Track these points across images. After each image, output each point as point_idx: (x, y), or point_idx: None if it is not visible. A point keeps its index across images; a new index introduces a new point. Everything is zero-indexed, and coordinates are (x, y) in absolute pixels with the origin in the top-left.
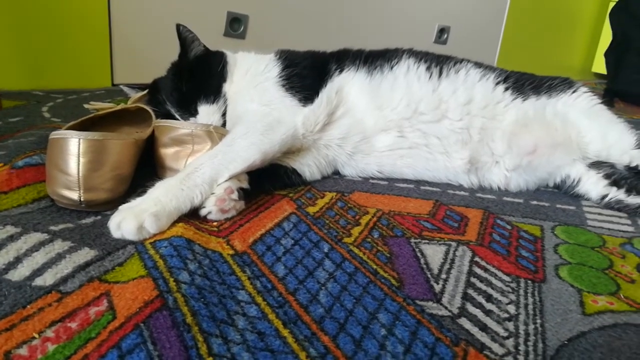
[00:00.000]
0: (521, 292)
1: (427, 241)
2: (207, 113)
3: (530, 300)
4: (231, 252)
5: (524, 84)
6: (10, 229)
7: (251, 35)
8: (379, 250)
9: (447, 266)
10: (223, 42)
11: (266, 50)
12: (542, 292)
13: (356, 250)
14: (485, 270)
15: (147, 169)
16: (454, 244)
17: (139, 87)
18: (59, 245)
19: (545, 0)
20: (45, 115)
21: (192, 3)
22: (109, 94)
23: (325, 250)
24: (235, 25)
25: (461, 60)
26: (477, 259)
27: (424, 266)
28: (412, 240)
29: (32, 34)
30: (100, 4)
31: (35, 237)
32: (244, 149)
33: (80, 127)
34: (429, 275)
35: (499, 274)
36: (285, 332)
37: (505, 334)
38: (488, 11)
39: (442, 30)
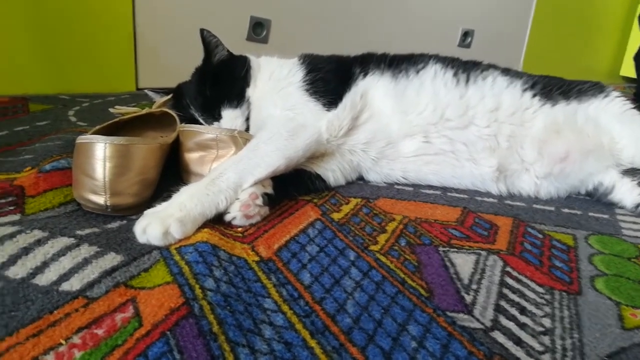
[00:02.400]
0: (556, 304)
1: (456, 250)
2: (230, 117)
3: (566, 313)
4: (256, 258)
5: (552, 89)
6: (38, 233)
7: (274, 39)
8: (407, 258)
9: (477, 276)
10: (246, 47)
11: (289, 54)
12: (578, 305)
13: (383, 259)
14: (518, 280)
15: (171, 173)
16: (484, 253)
17: (164, 91)
18: (86, 250)
19: (572, 2)
20: (72, 119)
21: (216, 8)
22: (134, 98)
23: (352, 258)
24: (258, 29)
25: (488, 67)
26: (508, 269)
27: (454, 276)
28: (441, 248)
29: (58, 38)
30: (125, 9)
31: (62, 241)
32: (268, 154)
33: (105, 131)
34: (459, 286)
35: (532, 285)
36: (312, 343)
37: (541, 349)
38: (513, 14)
39: (466, 34)
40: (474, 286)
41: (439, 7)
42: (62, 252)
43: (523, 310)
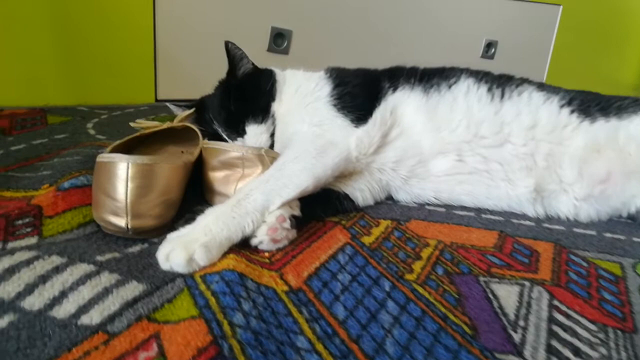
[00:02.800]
0: (611, 344)
1: (497, 280)
2: (255, 133)
3: (624, 355)
4: (285, 288)
5: (590, 105)
6: (56, 259)
7: (295, 50)
8: (446, 289)
9: (523, 311)
10: (266, 58)
11: (310, 66)
12: (635, 345)
13: (420, 290)
14: (567, 316)
15: (193, 191)
16: (527, 283)
17: (185, 104)
18: (106, 279)
19: (598, 13)
20: (90, 132)
21: (237, 18)
22: (153, 110)
23: (387, 288)
24: (279, 40)
25: (522, 82)
26: (556, 302)
27: (498, 310)
28: (481, 278)
29: (77, 49)
30: (145, 19)
31: (82, 268)
32: (296, 174)
33: (125, 146)
34: (506, 322)
35: (583, 321)
36: None
37: None
38: (537, 24)
39: (490, 45)
40: (522, 323)
41: (462, 17)
42: (81, 281)
43: (577, 352)
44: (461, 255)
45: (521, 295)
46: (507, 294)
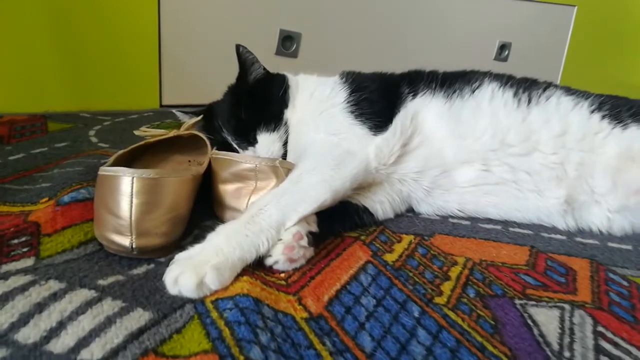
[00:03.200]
0: None
1: (534, 303)
2: (267, 142)
3: None
4: (305, 314)
5: (621, 110)
6: (54, 285)
7: (304, 54)
8: (480, 315)
9: (567, 339)
10: (275, 62)
11: (320, 70)
12: None
13: (452, 315)
14: (615, 345)
15: (201, 202)
16: (567, 306)
17: (192, 111)
18: (109, 306)
19: (614, 13)
20: (93, 140)
21: (243, 20)
22: (158, 116)
23: (416, 314)
24: (288, 43)
25: (549, 85)
26: (600, 328)
27: (540, 339)
28: (517, 300)
29: (79, 52)
30: (150, 21)
31: (82, 294)
32: (313, 187)
33: (129, 155)
34: (549, 353)
35: (634, 350)
36: None
37: None
38: (552, 26)
39: (503, 47)
40: (567, 353)
41: (475, 19)
42: (81, 309)
43: None
44: (493, 274)
45: (562, 320)
46: (547, 320)
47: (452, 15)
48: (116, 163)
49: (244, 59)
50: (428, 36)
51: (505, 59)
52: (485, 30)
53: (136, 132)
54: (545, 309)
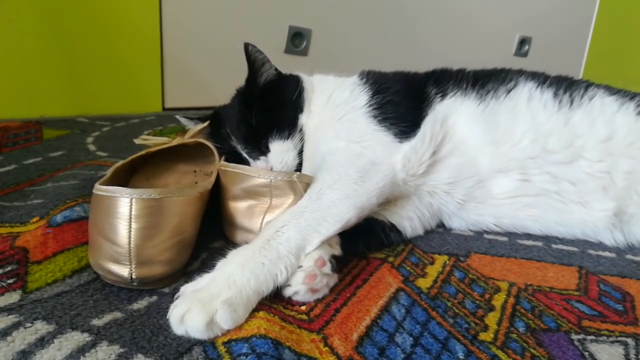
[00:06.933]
0: None
1: (593, 337)
2: (280, 151)
3: None
4: (332, 358)
5: None
6: (41, 327)
7: (314, 51)
8: (535, 355)
9: None
10: (284, 60)
11: (331, 68)
12: None
13: (503, 356)
14: None
15: (210, 220)
16: (630, 341)
17: (197, 117)
18: (104, 353)
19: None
20: (90, 148)
21: (250, 16)
22: (160, 120)
23: (461, 355)
24: (297, 40)
25: (590, 84)
26: None
27: None
28: (574, 335)
29: (78, 55)
30: (151, 21)
31: (73, 339)
32: (335, 204)
33: (129, 165)
34: None
35: None
36: None
37: None
38: (573, 20)
39: (523, 41)
40: None
41: (495, 13)
42: (72, 358)
43: None
44: (542, 302)
45: (627, 358)
46: (610, 358)
47: (469, 8)
48: (114, 176)
49: (254, 59)
50: (444, 31)
51: (525, 54)
52: (505, 25)
53: (136, 141)
54: (606, 344)
